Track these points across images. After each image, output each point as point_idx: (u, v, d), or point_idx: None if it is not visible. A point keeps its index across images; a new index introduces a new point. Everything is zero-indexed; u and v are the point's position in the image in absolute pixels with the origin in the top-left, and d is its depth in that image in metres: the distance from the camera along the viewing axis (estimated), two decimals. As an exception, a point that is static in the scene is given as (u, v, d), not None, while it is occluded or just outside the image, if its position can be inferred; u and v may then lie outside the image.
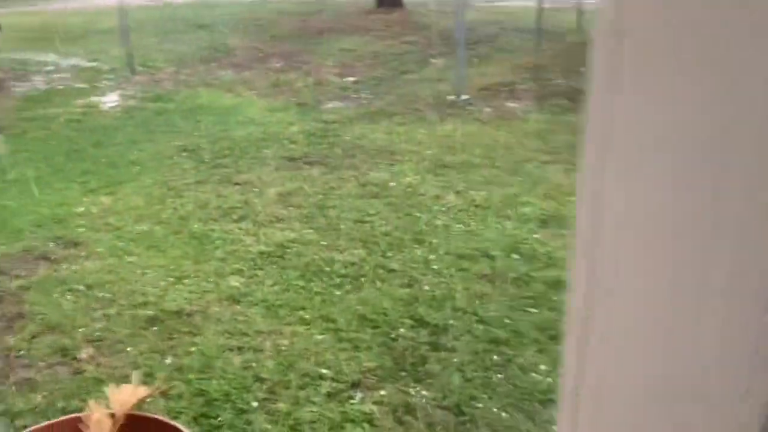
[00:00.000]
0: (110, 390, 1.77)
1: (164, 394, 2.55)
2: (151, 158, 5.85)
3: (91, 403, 1.76)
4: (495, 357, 3.05)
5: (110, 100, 8.10)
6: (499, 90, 7.91)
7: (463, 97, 7.58)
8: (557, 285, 3.63)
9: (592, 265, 0.51)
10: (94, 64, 10.16)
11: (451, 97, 7.62)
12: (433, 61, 10.01)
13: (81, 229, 4.43)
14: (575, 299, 0.53)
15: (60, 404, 2.72)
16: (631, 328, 0.51)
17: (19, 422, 2.63)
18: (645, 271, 0.49)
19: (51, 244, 4.22)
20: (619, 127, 0.47)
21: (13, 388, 2.85)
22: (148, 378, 2.88)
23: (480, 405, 2.75)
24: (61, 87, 8.78)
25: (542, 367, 2.97)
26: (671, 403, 0.50)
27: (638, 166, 0.47)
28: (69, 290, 3.66)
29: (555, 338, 3.18)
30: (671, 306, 0.48)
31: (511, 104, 7.33)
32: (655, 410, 0.51)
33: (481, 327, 3.28)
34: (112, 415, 1.73)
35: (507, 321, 3.32)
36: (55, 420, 1.81)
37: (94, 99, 8.09)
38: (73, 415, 1.81)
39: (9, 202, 4.88)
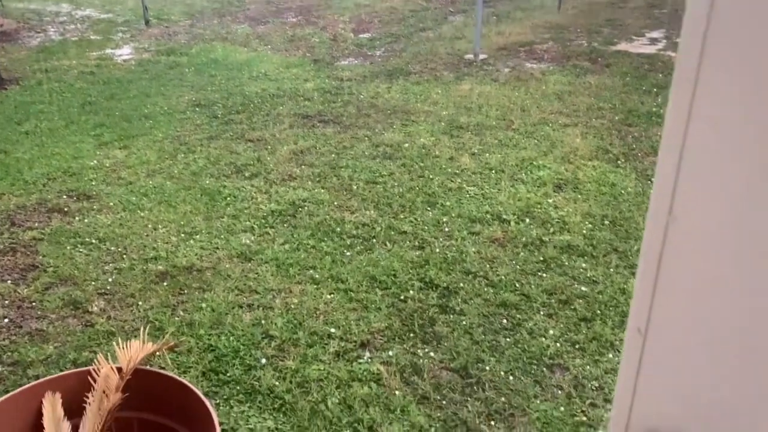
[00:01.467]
0: (118, 345, 1.78)
1: (172, 350, 2.57)
2: (164, 112, 5.81)
3: (100, 357, 1.77)
4: (504, 321, 3.05)
5: (124, 52, 8.03)
6: (518, 50, 7.73)
7: (481, 56, 7.42)
8: (569, 250, 3.60)
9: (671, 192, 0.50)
10: (108, 15, 10.05)
11: (469, 56, 7.46)
12: (450, 18, 9.80)
13: (94, 183, 4.44)
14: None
15: (71, 355, 2.75)
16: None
17: (30, 371, 2.68)
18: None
19: (64, 197, 4.23)
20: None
21: (26, 338, 2.90)
22: (158, 332, 2.91)
23: (487, 368, 2.75)
24: (75, 38, 8.70)
25: (551, 332, 2.96)
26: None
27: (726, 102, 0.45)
28: (81, 243, 3.68)
29: (565, 303, 3.16)
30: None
31: (530, 64, 7.17)
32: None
33: (491, 290, 3.26)
34: (120, 370, 1.74)
35: (517, 285, 3.30)
36: (65, 372, 1.83)
37: (108, 51, 8.03)
38: (82, 369, 1.82)
39: (23, 155, 4.88)
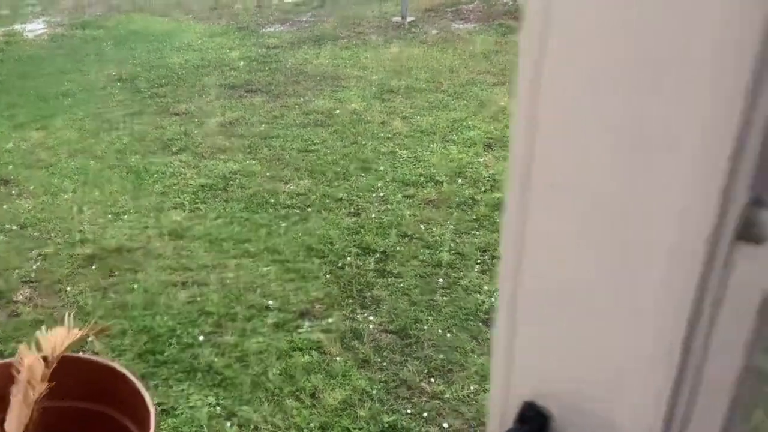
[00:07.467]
0: (41, 333, 1.72)
1: (101, 333, 2.50)
2: (83, 89, 5.55)
3: (22, 347, 1.70)
4: (440, 280, 3.10)
5: (35, 27, 7.58)
6: (444, 11, 7.72)
7: (409, 18, 7.37)
8: (500, 207, 3.67)
9: None
10: (14, -13, 9.42)
11: (396, 19, 7.41)
12: (378, -20, 9.66)
13: (10, 167, 4.22)
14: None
15: (-3, 348, 2.65)
16: None
17: (-45, 368, 2.56)
18: None
19: (-22, 184, 4.02)
20: None
21: (-53, 333, 2.76)
22: (89, 317, 2.83)
23: (425, 327, 2.81)
24: (-21, 14, 8.15)
25: (485, 287, 3.04)
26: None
27: None
28: (0, 231, 3.51)
29: (498, 258, 3.23)
30: None
31: (457, 25, 7.19)
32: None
33: (427, 251, 3.31)
34: (45, 359, 1.68)
35: (452, 244, 3.36)
36: (-14, 366, 1.76)
37: (17, 27, 7.56)
38: (4, 361, 1.75)
39: (-71, 141, 4.58)
